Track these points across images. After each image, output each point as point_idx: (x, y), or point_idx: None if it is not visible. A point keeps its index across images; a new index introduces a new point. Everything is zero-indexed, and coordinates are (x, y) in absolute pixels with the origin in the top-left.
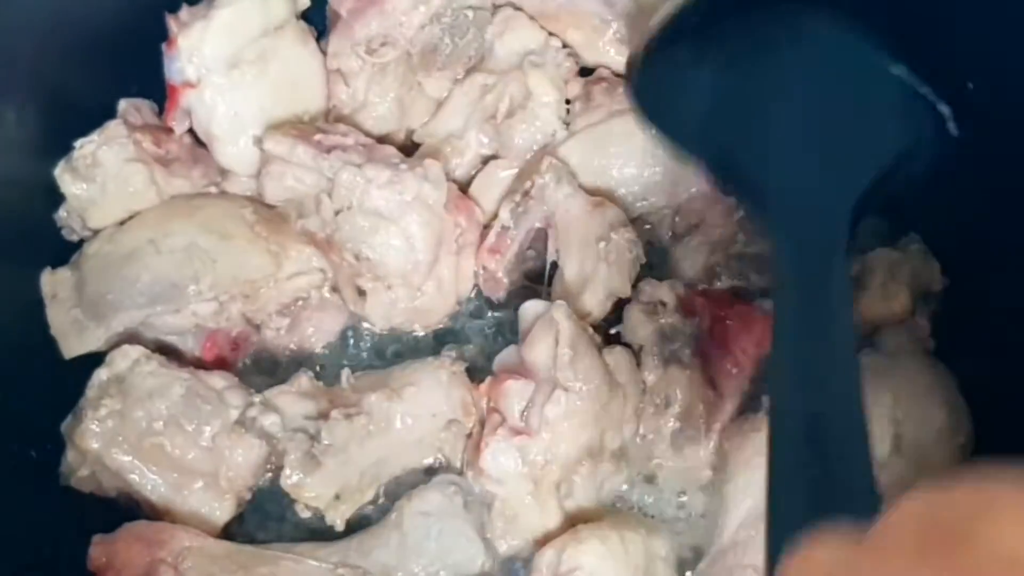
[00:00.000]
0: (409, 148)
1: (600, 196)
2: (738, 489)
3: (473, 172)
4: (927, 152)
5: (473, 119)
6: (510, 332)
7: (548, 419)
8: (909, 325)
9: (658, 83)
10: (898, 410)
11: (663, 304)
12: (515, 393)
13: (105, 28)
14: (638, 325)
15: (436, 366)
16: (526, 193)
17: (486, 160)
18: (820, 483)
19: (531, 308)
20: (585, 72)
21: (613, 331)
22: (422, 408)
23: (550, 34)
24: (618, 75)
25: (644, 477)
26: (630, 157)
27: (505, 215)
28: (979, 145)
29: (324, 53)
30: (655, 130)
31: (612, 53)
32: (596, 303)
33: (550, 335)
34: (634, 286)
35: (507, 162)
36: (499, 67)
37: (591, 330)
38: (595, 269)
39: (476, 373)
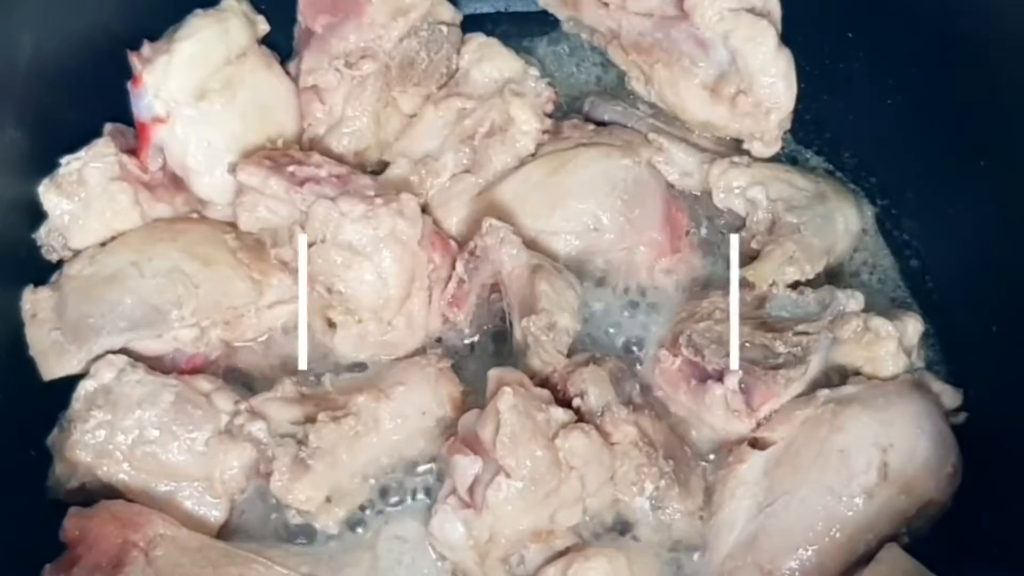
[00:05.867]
0: (384, 165)
1: (542, 241)
2: (723, 522)
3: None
4: None
5: (450, 141)
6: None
7: (489, 502)
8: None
9: None
10: (885, 438)
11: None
12: (463, 468)
13: (87, 59)
14: (589, 392)
15: (423, 364)
16: (472, 252)
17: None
18: None
19: (494, 376)
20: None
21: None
22: (411, 406)
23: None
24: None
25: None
26: (583, 188)
27: (460, 268)
28: None
29: (289, 75)
30: None
31: (690, 100)
32: (540, 365)
33: (496, 420)
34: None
35: (473, 178)
36: (476, 92)
37: (544, 413)
38: (536, 339)
39: (462, 370)
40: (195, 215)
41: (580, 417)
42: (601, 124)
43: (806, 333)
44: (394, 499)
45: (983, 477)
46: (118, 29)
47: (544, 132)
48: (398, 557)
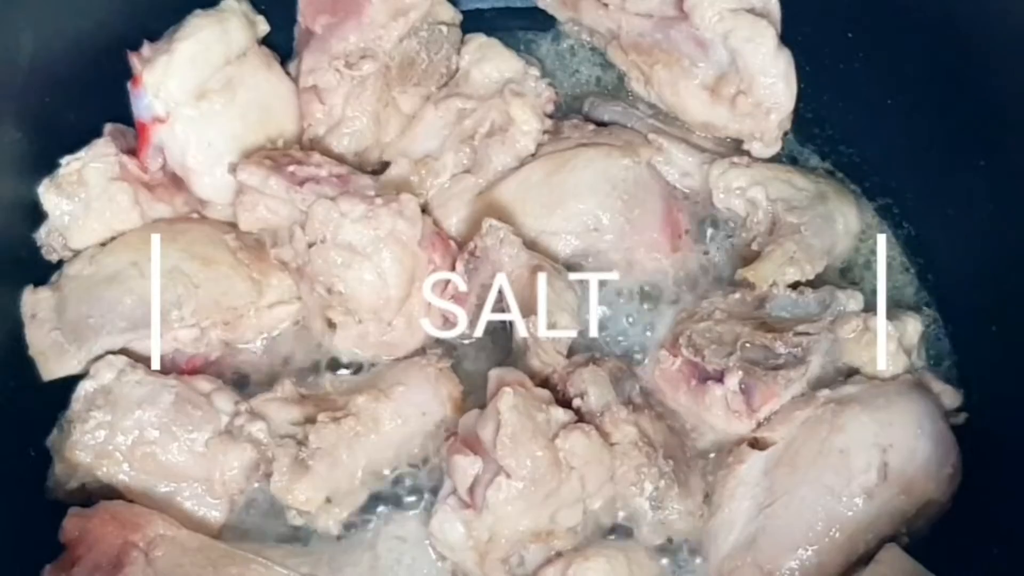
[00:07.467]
0: (384, 165)
1: (542, 241)
2: (723, 522)
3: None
4: None
5: (450, 141)
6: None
7: (489, 502)
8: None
9: None
10: (885, 438)
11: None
12: (463, 468)
13: (87, 59)
14: (589, 392)
15: (423, 364)
16: (472, 252)
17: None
18: None
19: (494, 376)
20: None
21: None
22: (411, 407)
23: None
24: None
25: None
26: (583, 188)
27: (460, 268)
28: None
29: (289, 75)
30: None
31: (690, 100)
32: (540, 365)
33: (496, 420)
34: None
35: (473, 178)
36: (476, 92)
37: (545, 414)
38: (535, 340)
39: (462, 370)
40: (195, 215)
41: (580, 417)
42: (601, 124)
43: (806, 333)
44: (394, 499)
45: (983, 477)
46: (118, 29)
47: (544, 132)
48: (398, 557)
